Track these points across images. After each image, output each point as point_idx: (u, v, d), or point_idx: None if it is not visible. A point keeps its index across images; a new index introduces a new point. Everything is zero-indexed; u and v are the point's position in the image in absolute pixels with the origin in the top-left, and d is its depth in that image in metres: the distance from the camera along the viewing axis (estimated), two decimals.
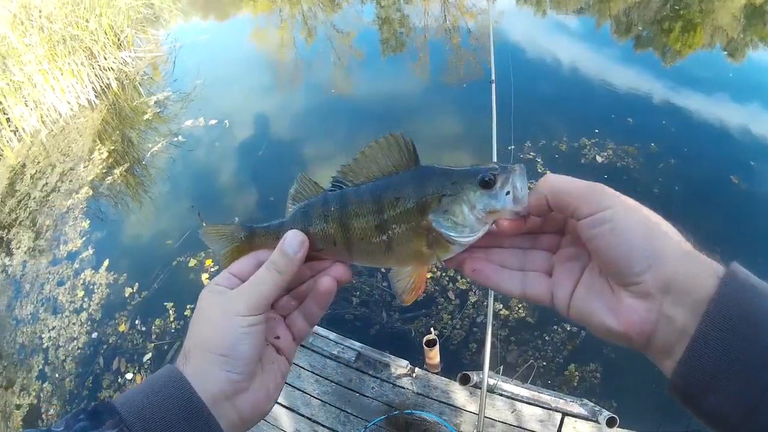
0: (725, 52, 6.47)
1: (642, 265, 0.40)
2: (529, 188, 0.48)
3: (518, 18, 7.97)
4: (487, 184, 0.48)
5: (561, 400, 2.98)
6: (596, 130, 4.82)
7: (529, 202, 0.47)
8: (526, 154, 4.64)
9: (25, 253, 4.98)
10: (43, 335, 4.21)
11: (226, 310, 0.48)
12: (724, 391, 0.35)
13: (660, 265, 0.40)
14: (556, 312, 0.48)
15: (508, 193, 0.48)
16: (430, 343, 3.11)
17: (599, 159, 4.53)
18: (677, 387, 0.39)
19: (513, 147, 3.95)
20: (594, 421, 2.87)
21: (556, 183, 0.45)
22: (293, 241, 0.51)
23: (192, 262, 4.32)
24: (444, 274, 3.82)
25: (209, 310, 0.49)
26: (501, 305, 3.55)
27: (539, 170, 4.45)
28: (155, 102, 6.65)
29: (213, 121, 6.11)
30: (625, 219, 0.41)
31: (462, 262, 0.52)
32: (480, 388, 2.99)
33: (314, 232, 0.54)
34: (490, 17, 3.78)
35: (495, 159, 2.30)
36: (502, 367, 3.15)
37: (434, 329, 3.28)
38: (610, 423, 2.68)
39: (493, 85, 2.79)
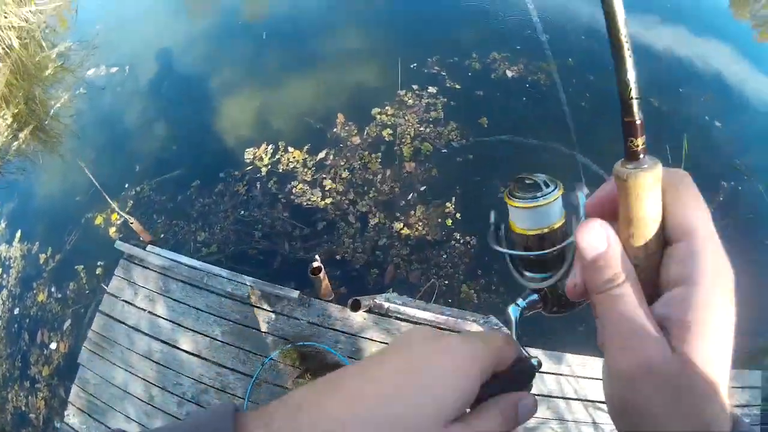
0: None
1: None
2: None
3: None
4: None
5: (460, 320, 2.74)
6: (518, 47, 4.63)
7: None
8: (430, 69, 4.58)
9: None
10: None
11: None
12: None
13: None
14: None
15: None
16: (316, 271, 2.83)
17: (509, 74, 4.40)
18: None
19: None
20: None
21: None
22: None
23: (98, 219, 4.07)
24: (344, 197, 3.50)
25: None
26: (402, 224, 3.22)
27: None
28: (57, 54, 6.04)
29: (114, 69, 5.53)
30: None
31: None
32: (374, 313, 2.77)
33: None
34: None
35: None
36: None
37: (319, 257, 2.97)
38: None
39: None
